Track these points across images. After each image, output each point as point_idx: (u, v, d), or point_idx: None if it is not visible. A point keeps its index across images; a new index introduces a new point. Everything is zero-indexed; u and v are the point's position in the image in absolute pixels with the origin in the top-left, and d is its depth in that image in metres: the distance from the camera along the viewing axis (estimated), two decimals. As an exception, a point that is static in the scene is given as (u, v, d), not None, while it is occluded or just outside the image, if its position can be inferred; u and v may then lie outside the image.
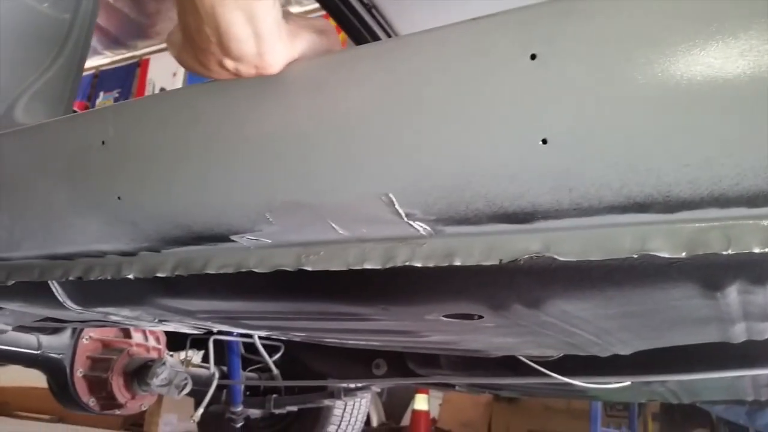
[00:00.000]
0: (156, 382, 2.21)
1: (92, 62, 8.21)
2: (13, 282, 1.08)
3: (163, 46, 7.65)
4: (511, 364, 1.64)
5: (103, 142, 0.82)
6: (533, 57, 0.54)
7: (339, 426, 2.80)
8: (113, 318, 1.27)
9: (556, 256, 0.63)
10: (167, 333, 2.57)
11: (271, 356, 2.57)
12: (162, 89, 7.23)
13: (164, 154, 0.77)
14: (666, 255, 0.58)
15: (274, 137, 0.68)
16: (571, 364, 1.57)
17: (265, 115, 0.69)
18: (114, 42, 7.86)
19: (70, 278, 1.00)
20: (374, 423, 5.53)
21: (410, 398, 5.30)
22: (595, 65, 0.52)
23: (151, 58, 7.90)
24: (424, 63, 0.59)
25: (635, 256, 0.59)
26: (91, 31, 1.28)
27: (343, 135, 0.64)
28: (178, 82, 7.29)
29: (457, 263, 0.68)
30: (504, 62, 0.55)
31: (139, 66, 7.97)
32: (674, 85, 0.50)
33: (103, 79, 8.26)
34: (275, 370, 2.59)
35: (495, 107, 0.56)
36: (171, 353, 2.62)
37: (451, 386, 2.21)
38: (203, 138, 0.73)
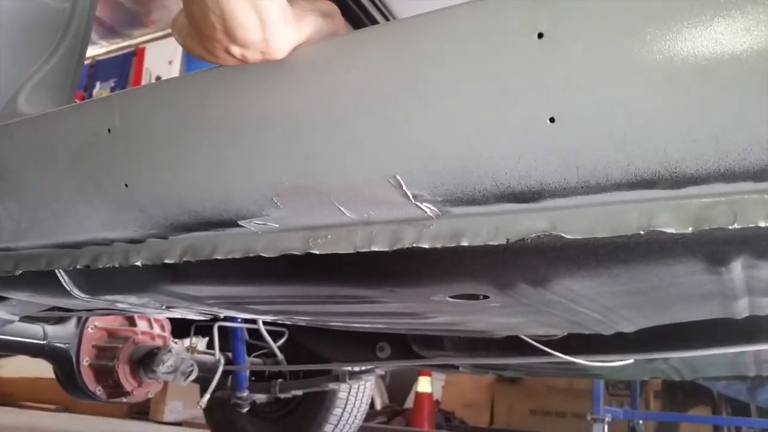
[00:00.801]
0: (162, 369, 2.22)
1: (88, 52, 8.14)
2: (21, 271, 1.09)
3: (159, 34, 7.61)
4: (514, 344, 1.65)
5: (109, 130, 0.82)
6: (540, 36, 0.54)
7: (344, 409, 2.82)
8: (120, 306, 1.28)
9: (563, 235, 0.63)
10: (172, 320, 2.58)
11: (275, 342, 2.58)
12: (158, 78, 7.20)
13: (171, 140, 0.77)
14: (672, 231, 0.58)
15: (281, 121, 0.68)
16: (575, 343, 1.58)
17: (272, 100, 0.69)
18: (109, 31, 7.81)
19: (78, 266, 1.00)
20: (378, 406, 5.57)
21: (413, 381, 5.34)
22: (601, 43, 0.52)
23: (147, 46, 7.84)
24: (430, 44, 0.59)
25: (642, 232, 0.59)
26: (92, 20, 1.28)
27: (350, 118, 0.64)
28: (175, 71, 7.25)
29: (464, 244, 0.68)
30: (511, 42, 0.55)
31: (136, 55, 7.92)
32: (681, 61, 0.50)
33: (99, 69, 8.21)
34: (280, 356, 2.61)
35: (502, 87, 0.56)
36: (176, 341, 2.63)
37: (455, 367, 2.22)
38: (210, 124, 0.73)
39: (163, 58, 7.52)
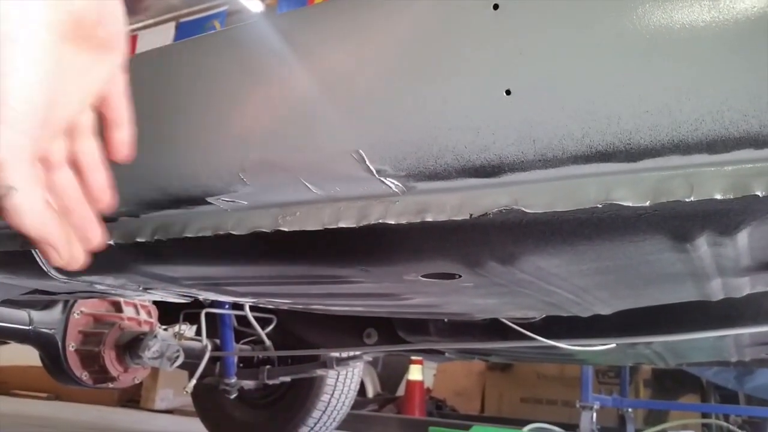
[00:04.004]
0: (148, 354, 2.22)
1: (79, 39, 8.09)
2: (-3, 252, 1.09)
3: (152, 21, 7.57)
4: (498, 329, 1.66)
5: (77, 107, 0.82)
6: (496, 7, 0.54)
7: (332, 395, 2.83)
8: (99, 287, 1.28)
9: (524, 209, 0.63)
10: (159, 307, 2.58)
11: (263, 329, 2.59)
12: (150, 66, 7.15)
13: (138, 116, 0.77)
14: (630, 204, 0.59)
15: (244, 96, 0.68)
16: (557, 328, 1.59)
17: (235, 75, 0.69)
18: (100, 18, 7.76)
19: (53, 246, 1.00)
20: (370, 394, 5.60)
21: (405, 369, 5.36)
22: (555, 15, 0.52)
23: (139, 34, 7.81)
24: (387, 17, 0.59)
25: (600, 206, 0.60)
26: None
27: (311, 92, 0.64)
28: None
29: (429, 219, 0.69)
30: (467, 13, 0.55)
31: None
32: (633, 32, 0.50)
33: (90, 56, 8.16)
34: (267, 342, 2.62)
35: (458, 59, 0.56)
36: (165, 327, 2.64)
37: (441, 353, 2.24)
38: (175, 99, 0.73)
39: (156, 46, 7.48)
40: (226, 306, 2.50)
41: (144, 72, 0.77)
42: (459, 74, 0.57)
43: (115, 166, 0.81)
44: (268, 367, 2.68)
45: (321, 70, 0.63)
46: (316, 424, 2.88)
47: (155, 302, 2.54)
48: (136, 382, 2.45)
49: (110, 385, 2.33)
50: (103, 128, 0.56)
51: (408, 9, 0.58)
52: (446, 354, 2.29)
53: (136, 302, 2.44)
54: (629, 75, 0.51)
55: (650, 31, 0.49)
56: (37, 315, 2.18)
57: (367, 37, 0.60)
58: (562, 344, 1.59)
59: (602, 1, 0.51)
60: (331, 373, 2.75)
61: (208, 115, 0.71)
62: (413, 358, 4.92)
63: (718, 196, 0.56)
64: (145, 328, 2.41)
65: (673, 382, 5.05)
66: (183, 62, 0.73)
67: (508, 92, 0.55)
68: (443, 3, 0.56)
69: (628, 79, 0.51)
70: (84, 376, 2.26)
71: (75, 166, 0.55)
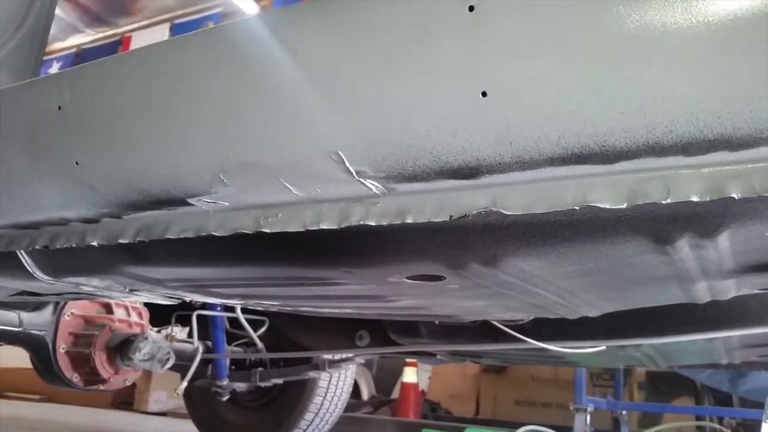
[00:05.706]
0: (138, 356, 2.22)
1: (74, 41, 8.11)
2: (-19, 253, 1.08)
3: (146, 23, 7.55)
4: (488, 332, 1.66)
5: (59, 108, 0.82)
6: (471, 9, 0.54)
7: (325, 397, 2.82)
8: (85, 289, 1.28)
9: (503, 211, 0.63)
10: (151, 309, 2.58)
11: (255, 331, 2.58)
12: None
13: (119, 117, 0.77)
14: (607, 206, 0.59)
15: (222, 96, 0.68)
16: (547, 330, 1.60)
17: (215, 76, 0.69)
18: (95, 20, 7.74)
19: (37, 247, 1.00)
20: (365, 396, 5.59)
21: (400, 371, 5.36)
22: (530, 17, 0.52)
23: (134, 35, 7.78)
24: (365, 18, 0.59)
25: (578, 208, 0.60)
26: (54, 4, 1.27)
27: (289, 93, 0.64)
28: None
29: (410, 221, 0.69)
30: (443, 14, 0.55)
31: (122, 44, 7.85)
32: (607, 33, 0.50)
33: (84, 57, 8.15)
34: (260, 344, 2.61)
35: (435, 60, 0.56)
36: (158, 329, 2.63)
37: (432, 355, 2.24)
38: (156, 100, 0.73)
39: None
40: (218, 308, 2.50)
41: (124, 72, 0.77)
42: (435, 75, 0.56)
43: (96, 168, 0.82)
44: (260, 369, 2.68)
45: (299, 71, 0.63)
46: (308, 426, 2.87)
47: (146, 304, 2.53)
48: (127, 384, 2.45)
49: (101, 387, 2.32)
50: None
51: (385, 10, 0.58)
52: (438, 356, 2.29)
53: (127, 304, 2.43)
54: (603, 76, 0.51)
55: (625, 33, 0.49)
56: (27, 316, 2.17)
57: (345, 38, 0.60)
58: (551, 346, 1.59)
59: (577, 3, 0.51)
60: (324, 375, 2.75)
61: (188, 115, 0.71)
62: (408, 360, 4.92)
63: (695, 199, 0.56)
64: (136, 330, 2.40)
65: (667, 385, 5.06)
66: (164, 62, 0.73)
67: (484, 94, 0.55)
68: (420, 4, 0.56)
69: (603, 80, 0.51)
70: (74, 377, 2.26)
71: None
